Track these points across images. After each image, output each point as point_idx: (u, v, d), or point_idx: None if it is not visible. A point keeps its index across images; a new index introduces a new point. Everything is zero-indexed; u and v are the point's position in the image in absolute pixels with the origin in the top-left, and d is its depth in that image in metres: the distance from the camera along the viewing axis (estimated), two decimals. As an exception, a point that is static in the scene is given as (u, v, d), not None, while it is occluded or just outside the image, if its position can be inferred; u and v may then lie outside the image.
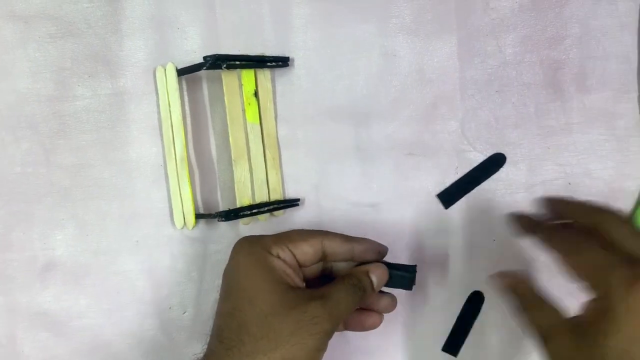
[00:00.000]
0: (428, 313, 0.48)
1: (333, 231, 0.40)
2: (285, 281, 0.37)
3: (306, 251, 0.38)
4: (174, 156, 0.46)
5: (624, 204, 0.47)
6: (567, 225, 0.38)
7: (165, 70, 0.46)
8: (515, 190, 0.47)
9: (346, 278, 0.39)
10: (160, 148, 0.47)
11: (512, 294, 0.38)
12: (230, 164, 0.45)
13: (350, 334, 0.47)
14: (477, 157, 0.47)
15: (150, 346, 0.47)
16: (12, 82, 0.46)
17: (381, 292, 0.41)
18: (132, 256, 0.47)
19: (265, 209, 0.46)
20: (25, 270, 0.47)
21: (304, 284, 0.39)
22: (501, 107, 0.47)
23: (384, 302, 0.41)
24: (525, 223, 0.39)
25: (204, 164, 0.47)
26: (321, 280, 0.41)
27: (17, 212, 0.47)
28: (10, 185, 0.46)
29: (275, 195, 0.47)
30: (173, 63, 0.46)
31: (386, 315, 0.47)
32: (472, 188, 0.47)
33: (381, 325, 0.47)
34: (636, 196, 0.47)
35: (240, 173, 0.45)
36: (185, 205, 0.46)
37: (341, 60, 0.47)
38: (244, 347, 0.35)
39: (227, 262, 0.39)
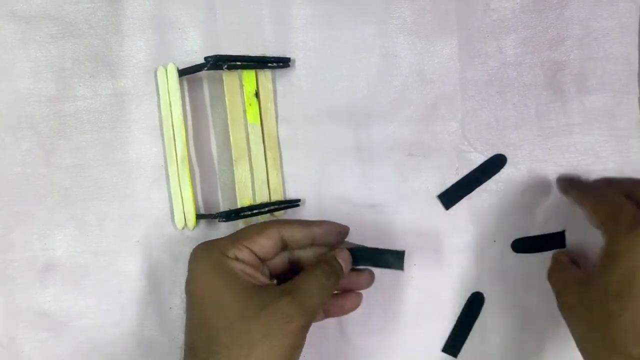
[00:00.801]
0: (428, 313, 0.48)
1: (292, 219, 0.40)
2: (249, 282, 0.36)
3: (264, 244, 0.38)
4: (174, 156, 0.46)
5: (624, 205, 0.47)
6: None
7: (166, 70, 0.46)
8: (515, 191, 0.47)
9: (316, 266, 0.38)
10: (160, 148, 0.47)
11: (555, 261, 0.44)
12: (231, 165, 0.45)
13: (350, 333, 0.48)
14: (478, 158, 0.47)
15: (150, 346, 0.47)
16: (13, 82, 0.46)
17: (358, 269, 0.41)
18: (132, 256, 0.47)
19: (266, 209, 0.46)
20: (25, 270, 0.47)
21: (272, 280, 0.39)
22: (502, 108, 0.47)
23: (362, 278, 0.42)
24: (567, 182, 0.45)
25: (205, 165, 0.47)
26: (291, 272, 0.41)
27: (17, 213, 0.46)
28: (10, 185, 0.46)
29: (276, 196, 0.47)
30: (174, 63, 0.46)
31: (386, 316, 0.48)
32: (473, 189, 0.47)
33: (381, 325, 0.48)
34: (636, 197, 0.47)
35: (241, 173, 0.45)
36: (185, 205, 0.46)
37: (341, 61, 0.47)
38: (217, 357, 0.34)
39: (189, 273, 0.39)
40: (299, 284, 0.37)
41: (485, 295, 0.47)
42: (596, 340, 0.36)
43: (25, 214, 0.46)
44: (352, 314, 0.47)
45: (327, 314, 0.42)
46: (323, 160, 0.47)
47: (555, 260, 0.44)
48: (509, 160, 0.47)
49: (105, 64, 0.46)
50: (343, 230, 0.41)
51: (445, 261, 0.47)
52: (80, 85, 0.46)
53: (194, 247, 0.46)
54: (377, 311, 0.48)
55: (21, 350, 0.47)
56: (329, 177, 0.47)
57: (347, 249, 0.41)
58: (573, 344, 0.39)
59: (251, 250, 0.38)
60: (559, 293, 0.40)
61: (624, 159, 0.47)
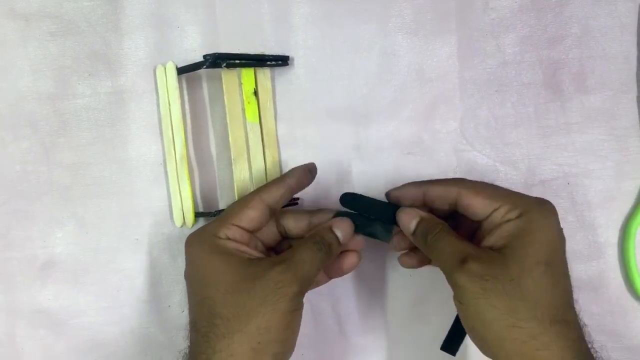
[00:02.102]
0: (427, 312, 0.48)
1: (267, 183, 0.41)
2: (242, 257, 0.38)
3: (251, 216, 0.39)
4: (173, 155, 0.46)
5: (622, 204, 0.47)
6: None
7: (165, 68, 0.46)
8: (514, 190, 0.47)
9: (309, 237, 0.39)
10: (160, 146, 0.47)
11: (420, 227, 0.39)
12: (230, 163, 0.46)
13: (350, 333, 0.48)
14: (476, 157, 0.47)
15: (149, 344, 0.47)
16: (12, 81, 0.46)
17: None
18: (131, 254, 0.47)
19: (265, 207, 0.46)
20: (25, 268, 0.47)
21: (266, 253, 0.40)
22: (500, 107, 0.47)
23: (356, 238, 0.42)
24: (418, 184, 0.41)
25: (204, 163, 0.47)
26: (285, 242, 0.42)
27: (17, 211, 0.47)
28: (10, 183, 0.47)
29: (275, 194, 0.47)
30: (173, 62, 0.46)
31: (385, 314, 0.48)
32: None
33: (381, 324, 0.48)
34: (635, 196, 0.47)
35: (240, 172, 0.46)
36: (184, 203, 0.46)
37: (341, 60, 0.47)
38: (218, 329, 0.35)
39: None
40: (292, 254, 0.38)
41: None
42: (523, 313, 0.34)
43: (25, 212, 0.47)
44: (351, 312, 0.48)
45: (329, 275, 0.43)
46: (322, 159, 0.47)
47: (439, 225, 0.38)
48: (507, 159, 0.47)
49: (104, 62, 0.46)
50: (311, 167, 0.42)
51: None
52: (79, 84, 0.46)
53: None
54: (375, 309, 0.48)
55: (21, 348, 0.47)
56: (327, 175, 0.47)
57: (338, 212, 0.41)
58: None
59: (240, 227, 0.39)
60: (468, 258, 0.35)
61: (623, 158, 0.47)
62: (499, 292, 0.34)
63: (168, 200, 0.47)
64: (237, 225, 0.39)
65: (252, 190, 0.46)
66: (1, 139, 0.46)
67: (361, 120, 0.47)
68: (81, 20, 0.46)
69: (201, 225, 0.47)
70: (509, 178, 0.47)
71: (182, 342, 0.43)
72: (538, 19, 0.47)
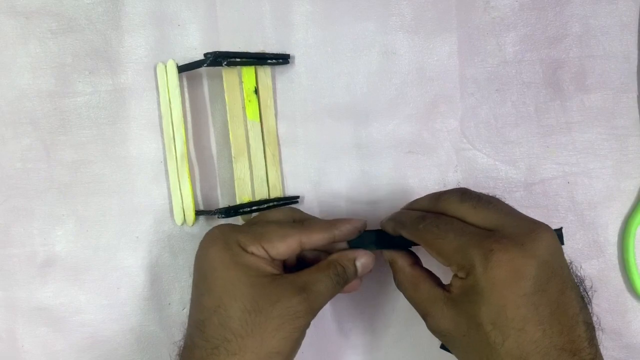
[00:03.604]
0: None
1: (312, 222, 0.40)
2: (261, 272, 0.37)
3: (282, 251, 0.39)
4: (174, 153, 0.46)
5: (622, 204, 0.47)
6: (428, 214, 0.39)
7: (165, 67, 0.46)
8: (514, 189, 0.47)
9: (331, 267, 0.39)
10: (160, 144, 0.47)
11: (392, 268, 0.40)
12: (230, 161, 0.46)
13: (349, 332, 0.48)
14: (477, 156, 0.47)
15: (149, 341, 0.47)
16: (13, 78, 0.46)
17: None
18: (132, 252, 0.47)
19: (265, 206, 0.46)
20: (25, 265, 0.47)
21: (281, 266, 0.40)
22: (501, 106, 0.47)
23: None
24: (392, 227, 0.40)
25: (204, 161, 0.47)
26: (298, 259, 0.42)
27: (17, 208, 0.47)
28: (11, 180, 0.47)
29: (275, 193, 0.47)
30: (174, 60, 0.46)
31: (386, 313, 0.48)
32: None
33: (381, 323, 0.48)
34: (635, 195, 0.47)
35: (240, 170, 0.46)
36: (185, 201, 0.46)
37: (341, 58, 0.47)
38: (230, 345, 0.35)
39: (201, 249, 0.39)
40: (312, 282, 0.38)
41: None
42: None
43: (25, 210, 0.47)
44: (350, 312, 0.48)
45: None
46: (322, 157, 0.47)
47: (404, 269, 0.39)
48: (508, 158, 0.47)
49: (105, 60, 0.46)
50: (361, 227, 0.41)
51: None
52: (80, 81, 0.46)
53: (193, 242, 0.46)
54: (375, 309, 0.48)
55: (21, 345, 0.47)
56: (328, 174, 0.47)
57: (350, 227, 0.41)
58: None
59: (267, 252, 0.39)
60: (426, 315, 0.37)
61: (623, 157, 0.47)
62: (456, 345, 0.36)
63: (168, 198, 0.47)
64: (265, 250, 0.38)
65: (252, 188, 0.46)
66: (1, 136, 0.46)
67: (361, 119, 0.47)
68: (82, 17, 0.46)
69: (199, 221, 0.47)
70: (509, 177, 0.47)
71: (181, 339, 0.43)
72: (539, 17, 0.47)
